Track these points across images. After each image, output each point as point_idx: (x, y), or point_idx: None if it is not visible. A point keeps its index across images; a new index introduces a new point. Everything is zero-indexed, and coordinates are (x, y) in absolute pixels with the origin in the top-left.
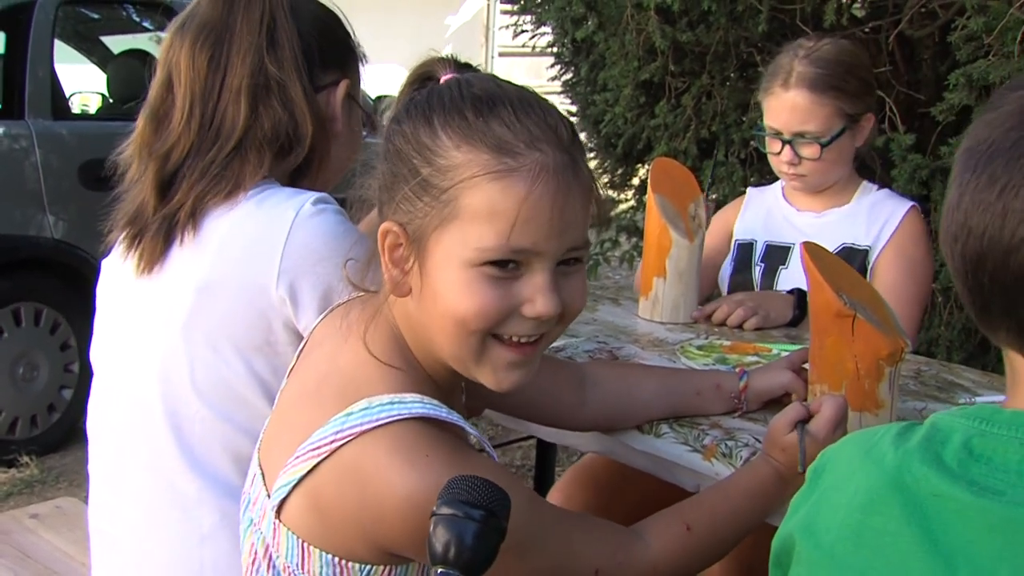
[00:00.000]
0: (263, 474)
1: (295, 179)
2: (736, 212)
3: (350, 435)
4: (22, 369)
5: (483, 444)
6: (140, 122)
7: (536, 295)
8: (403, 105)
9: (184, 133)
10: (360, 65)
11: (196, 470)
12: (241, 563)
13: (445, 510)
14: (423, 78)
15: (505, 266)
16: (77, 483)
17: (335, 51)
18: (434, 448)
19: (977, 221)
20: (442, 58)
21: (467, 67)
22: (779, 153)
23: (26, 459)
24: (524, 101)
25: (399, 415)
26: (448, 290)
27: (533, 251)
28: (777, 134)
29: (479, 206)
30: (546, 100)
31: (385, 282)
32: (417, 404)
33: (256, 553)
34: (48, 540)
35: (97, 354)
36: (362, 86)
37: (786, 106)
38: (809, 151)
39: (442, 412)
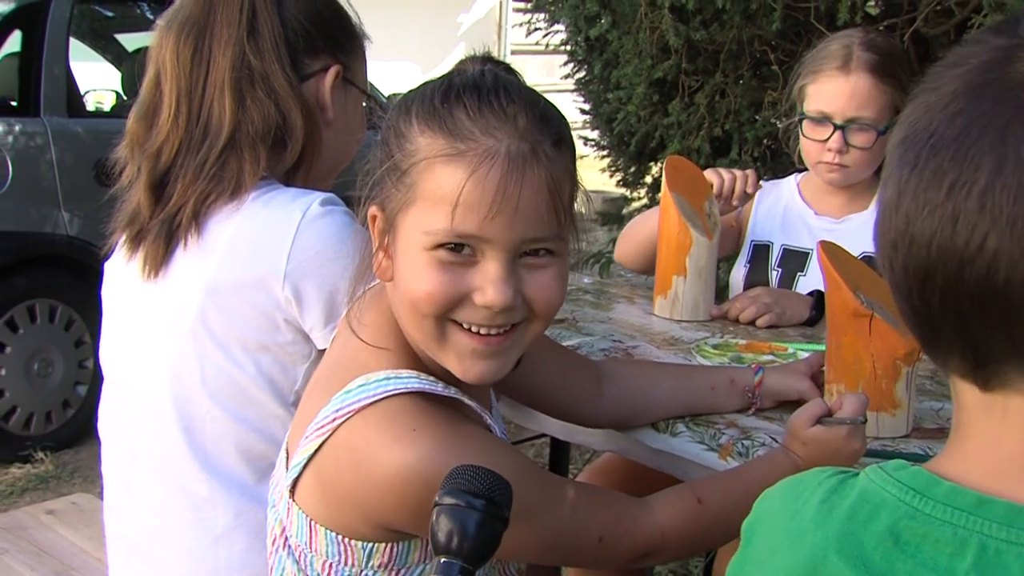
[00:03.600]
0: (287, 458)
1: (290, 172)
2: (749, 205)
3: (349, 412)
4: (37, 365)
5: (484, 417)
6: (131, 120)
7: (486, 284)
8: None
9: (173, 130)
10: (362, 46)
11: (208, 471)
12: (256, 562)
13: (447, 500)
14: None
15: (458, 251)
16: (91, 479)
17: (325, 36)
18: (422, 422)
19: (922, 227)
20: (475, 56)
21: (495, 64)
22: (826, 140)
23: (41, 455)
24: (497, 91)
25: (395, 389)
26: (406, 273)
27: (480, 237)
28: (827, 119)
29: (431, 189)
30: (536, 95)
31: (375, 267)
32: (413, 379)
33: (275, 534)
34: (64, 536)
35: (106, 357)
36: (366, 66)
37: (845, 90)
38: (862, 139)
39: (437, 387)
